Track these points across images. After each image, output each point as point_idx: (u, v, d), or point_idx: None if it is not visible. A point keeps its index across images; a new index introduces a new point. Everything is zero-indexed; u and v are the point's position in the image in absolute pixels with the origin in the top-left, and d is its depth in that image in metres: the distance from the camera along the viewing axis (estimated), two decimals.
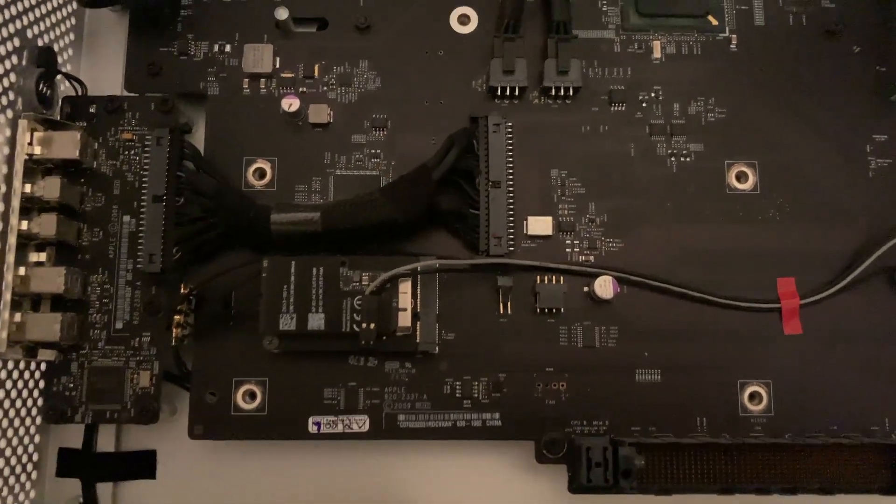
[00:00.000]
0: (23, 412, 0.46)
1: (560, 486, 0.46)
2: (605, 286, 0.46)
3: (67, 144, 0.46)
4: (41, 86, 0.47)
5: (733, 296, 0.47)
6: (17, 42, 0.45)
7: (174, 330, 0.45)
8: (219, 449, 0.49)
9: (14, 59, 0.45)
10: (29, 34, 0.47)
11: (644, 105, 0.50)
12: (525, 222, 0.48)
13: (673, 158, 0.49)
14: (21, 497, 0.46)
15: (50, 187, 0.45)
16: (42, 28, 0.48)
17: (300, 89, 0.50)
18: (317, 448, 0.49)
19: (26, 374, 0.46)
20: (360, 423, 0.46)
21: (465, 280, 0.47)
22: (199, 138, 0.50)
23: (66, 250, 0.47)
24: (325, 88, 0.50)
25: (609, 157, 0.49)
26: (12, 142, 0.45)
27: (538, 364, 0.47)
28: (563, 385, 0.47)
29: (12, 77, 0.45)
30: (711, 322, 0.47)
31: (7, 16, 0.45)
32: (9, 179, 0.44)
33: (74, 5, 0.52)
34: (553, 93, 0.49)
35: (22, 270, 0.44)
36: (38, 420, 0.47)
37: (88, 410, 0.46)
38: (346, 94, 0.50)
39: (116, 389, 0.46)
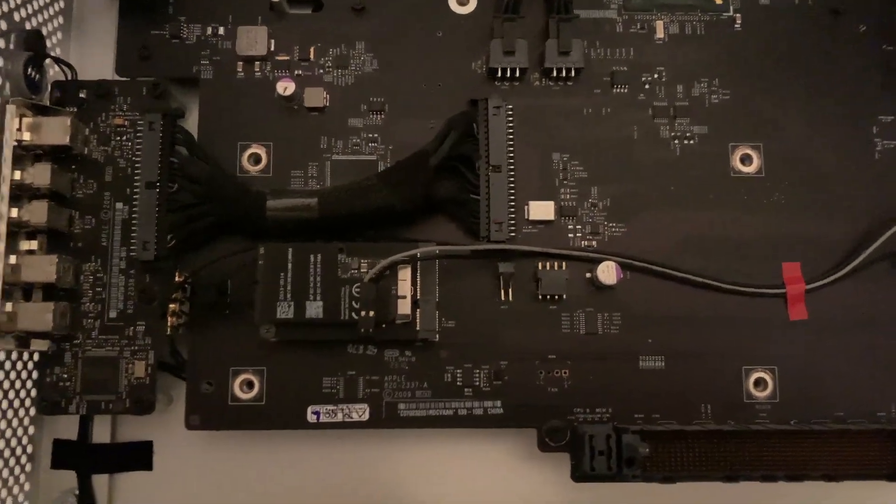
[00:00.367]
0: (16, 403, 0.45)
1: (563, 474, 0.45)
2: (608, 272, 0.46)
3: (57, 130, 0.45)
4: (29, 70, 0.46)
5: (738, 281, 0.47)
6: (3, 25, 0.45)
7: (169, 319, 0.44)
8: (216, 439, 0.48)
9: (1, 42, 0.44)
10: (16, 17, 0.46)
11: (647, 87, 0.49)
12: (526, 207, 0.47)
13: (676, 141, 0.49)
14: (15, 490, 0.45)
15: (40, 174, 0.45)
16: (30, 11, 0.47)
17: (295, 72, 0.49)
18: (316, 438, 0.48)
19: (19, 365, 0.46)
20: (360, 412, 0.45)
21: (466, 267, 0.47)
22: (192, 123, 0.49)
23: (58, 238, 0.46)
24: (321, 71, 0.49)
25: (612, 140, 0.48)
26: (0, 128, 0.44)
27: (540, 351, 0.46)
28: (565, 372, 0.46)
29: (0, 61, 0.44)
30: (716, 308, 0.47)
31: None
32: None
33: None
34: (554, 74, 0.48)
35: (13, 259, 0.44)
36: (32, 411, 0.47)
37: (83, 401, 0.46)
38: (343, 77, 0.49)
39: (111, 380, 0.46)
